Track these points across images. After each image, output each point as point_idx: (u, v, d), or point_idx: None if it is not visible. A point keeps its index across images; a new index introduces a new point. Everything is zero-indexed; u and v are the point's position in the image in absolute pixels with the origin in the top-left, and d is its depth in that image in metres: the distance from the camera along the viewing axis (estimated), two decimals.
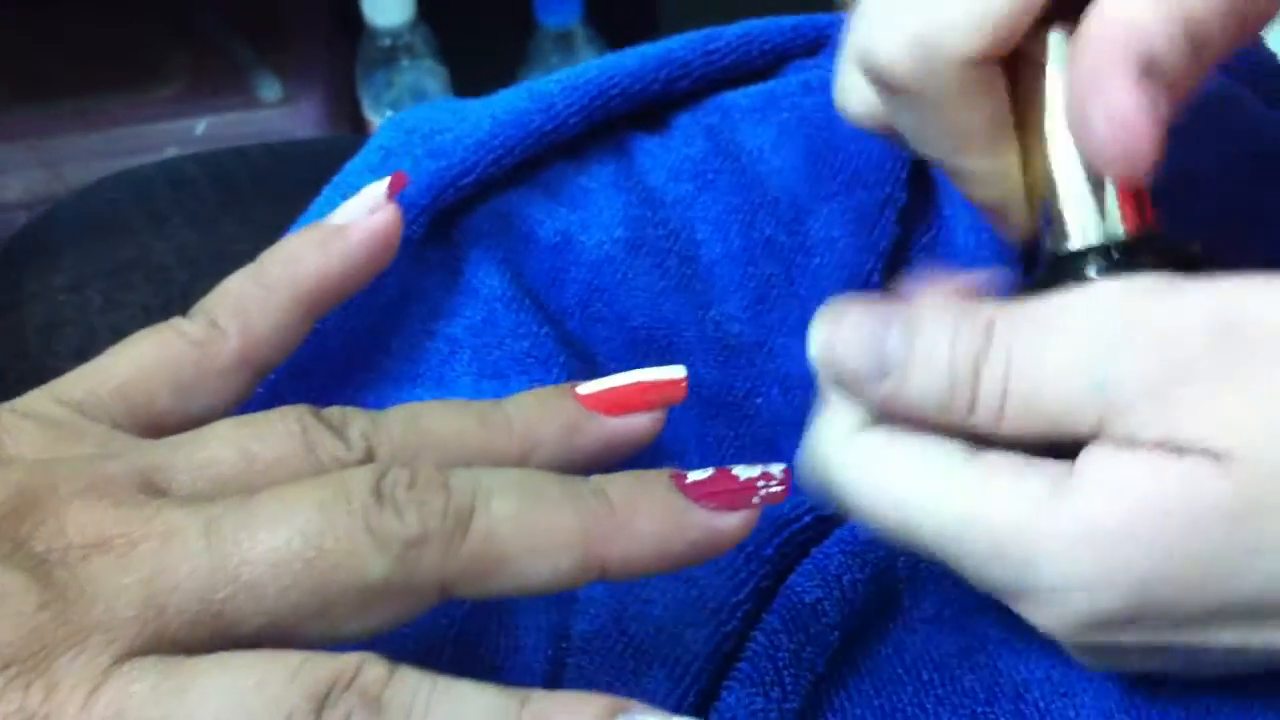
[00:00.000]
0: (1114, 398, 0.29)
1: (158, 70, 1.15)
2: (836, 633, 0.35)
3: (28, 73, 1.15)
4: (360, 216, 0.37)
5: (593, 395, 0.33)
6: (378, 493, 0.28)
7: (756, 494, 0.30)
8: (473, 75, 0.92)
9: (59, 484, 0.28)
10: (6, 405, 0.32)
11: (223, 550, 0.27)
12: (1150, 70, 0.29)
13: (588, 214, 0.44)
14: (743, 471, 0.30)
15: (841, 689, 0.36)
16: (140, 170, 0.50)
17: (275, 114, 1.13)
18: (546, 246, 0.43)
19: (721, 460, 0.41)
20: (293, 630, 0.27)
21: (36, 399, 0.32)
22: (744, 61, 0.47)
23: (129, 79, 1.14)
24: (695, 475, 0.30)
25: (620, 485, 0.30)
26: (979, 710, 0.35)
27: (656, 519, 0.29)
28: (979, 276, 0.32)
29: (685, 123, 0.46)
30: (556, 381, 0.40)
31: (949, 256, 0.42)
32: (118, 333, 0.45)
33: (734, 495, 0.30)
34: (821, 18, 0.48)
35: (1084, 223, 0.32)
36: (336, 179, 0.43)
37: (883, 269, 0.41)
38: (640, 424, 0.34)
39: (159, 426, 0.33)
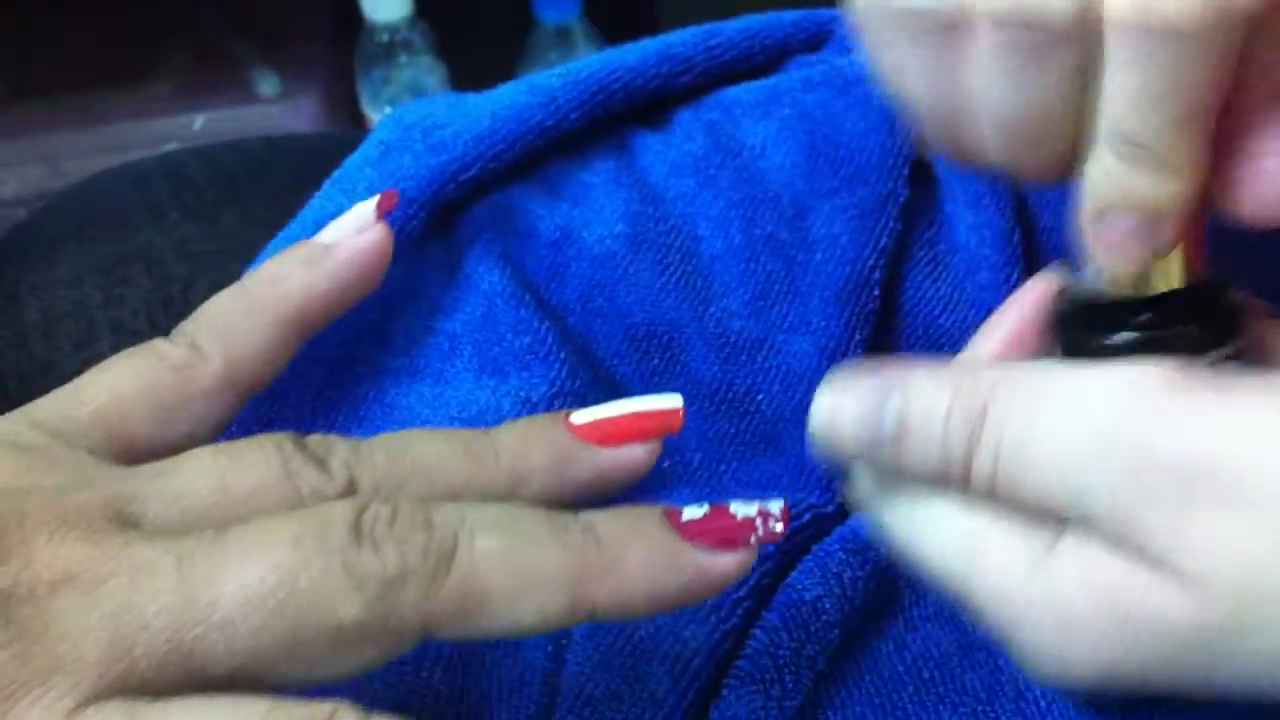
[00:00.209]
0: (1091, 508, 0.29)
1: (156, 66, 1.15)
2: (837, 630, 0.35)
3: (26, 69, 1.14)
4: (348, 235, 0.36)
5: (586, 425, 0.32)
6: (356, 529, 0.27)
7: (754, 533, 0.29)
8: (471, 71, 0.91)
9: (27, 515, 0.27)
10: None
11: (194, 587, 0.26)
12: None
13: (588, 209, 0.43)
14: (740, 509, 0.29)
15: (842, 687, 0.36)
16: (138, 164, 0.50)
17: (274, 110, 1.13)
18: (547, 242, 0.43)
19: (722, 457, 0.41)
20: (267, 672, 0.26)
21: (10, 423, 0.31)
22: (745, 57, 0.47)
23: (128, 75, 1.14)
24: (690, 512, 0.29)
25: (611, 522, 0.29)
26: (979, 709, 0.35)
27: (648, 558, 0.28)
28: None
29: (686, 118, 0.45)
30: (557, 377, 0.39)
31: (950, 254, 0.42)
32: (117, 327, 0.45)
33: (730, 534, 0.29)
34: (823, 13, 0.48)
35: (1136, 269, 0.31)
36: (337, 174, 0.43)
37: (884, 265, 0.41)
38: (635, 455, 0.32)
39: (137, 452, 0.32)
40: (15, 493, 0.28)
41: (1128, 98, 0.28)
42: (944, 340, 0.42)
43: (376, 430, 0.40)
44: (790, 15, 0.48)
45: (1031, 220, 0.42)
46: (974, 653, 0.36)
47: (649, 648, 0.35)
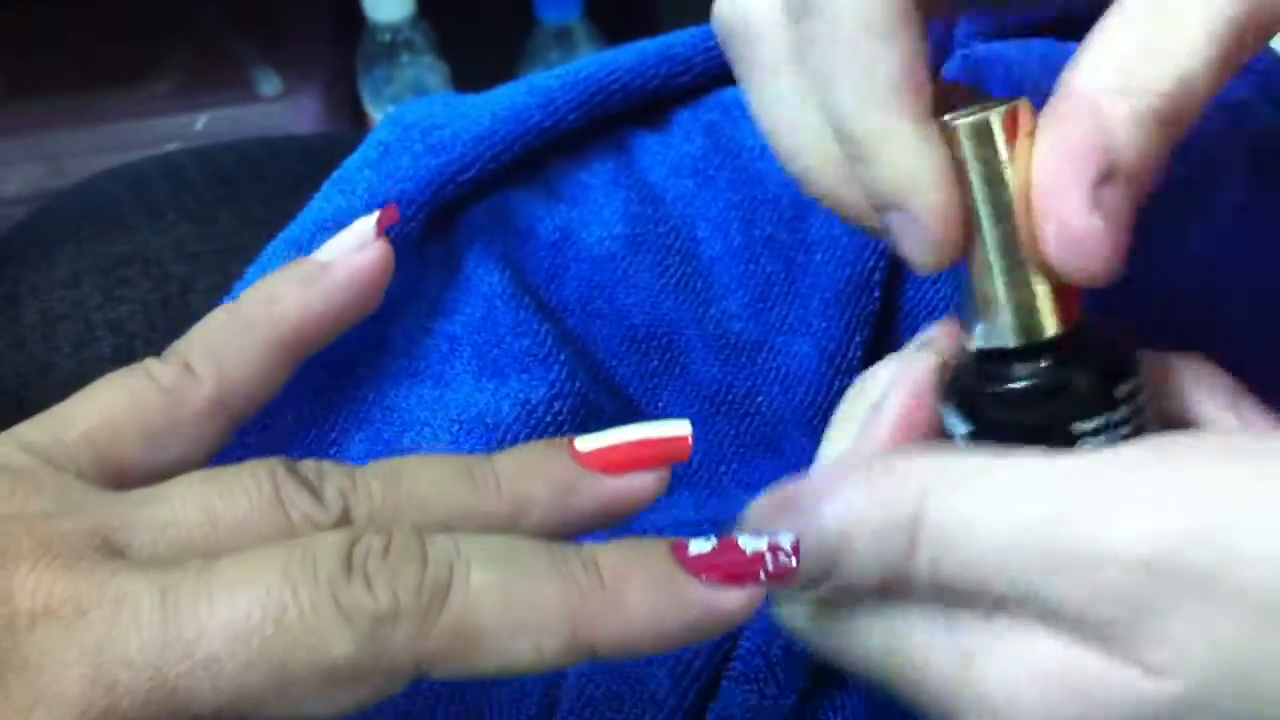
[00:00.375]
0: (1041, 612, 0.27)
1: (158, 65, 1.15)
2: None
3: (28, 68, 1.15)
4: (347, 253, 0.35)
5: (590, 453, 0.31)
6: (348, 562, 0.26)
7: (763, 569, 0.28)
8: (472, 71, 0.91)
9: (8, 543, 0.26)
10: None
11: (178, 621, 0.25)
12: (1113, 174, 0.27)
13: (588, 210, 0.43)
14: (749, 544, 0.28)
15: (838, 685, 0.36)
16: (136, 165, 0.49)
17: (275, 109, 1.13)
18: (546, 243, 0.43)
19: (721, 458, 0.41)
20: (254, 711, 0.25)
21: None
22: None
23: (129, 74, 1.14)
24: (697, 546, 0.28)
25: (613, 556, 0.27)
26: None
27: (651, 595, 0.27)
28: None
29: (685, 119, 0.45)
30: (556, 379, 0.39)
31: None
32: (115, 328, 0.45)
33: (738, 570, 0.28)
34: None
35: (1009, 313, 0.29)
36: (336, 175, 0.43)
37: (884, 267, 0.41)
38: (641, 484, 0.31)
39: (128, 476, 0.31)
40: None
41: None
42: None
43: (376, 432, 0.40)
44: None
45: None
46: None
47: None
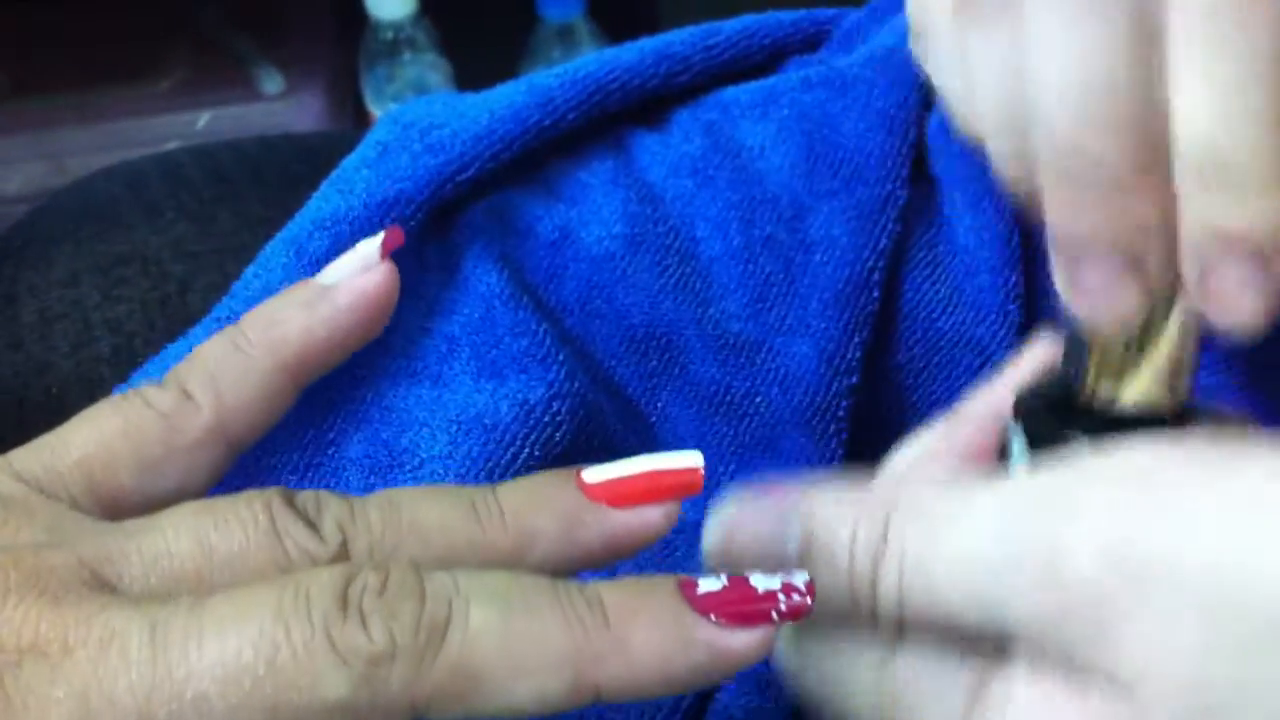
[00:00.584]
0: (1007, 627, 0.27)
1: (159, 63, 1.15)
2: None
3: (29, 66, 1.15)
4: (351, 275, 0.35)
5: (598, 484, 0.29)
6: (343, 600, 0.25)
7: (776, 608, 0.27)
8: (475, 69, 0.91)
9: None
10: None
11: (167, 660, 0.24)
12: None
13: (587, 210, 0.43)
14: (761, 582, 0.27)
15: None
16: (134, 163, 0.49)
17: (277, 107, 1.13)
18: (545, 243, 0.43)
19: (720, 459, 0.41)
20: None
21: None
22: (743, 57, 0.47)
23: (130, 72, 1.14)
24: (706, 584, 0.27)
25: (619, 594, 0.27)
26: None
27: (657, 636, 0.26)
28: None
29: (684, 119, 0.45)
30: (555, 379, 0.39)
31: (949, 256, 0.42)
32: (114, 327, 0.45)
33: (749, 608, 0.27)
34: (822, 13, 0.48)
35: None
36: (334, 174, 0.43)
37: (884, 267, 0.41)
38: (650, 518, 0.29)
39: (123, 505, 0.30)
40: None
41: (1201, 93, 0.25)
42: (943, 342, 0.42)
43: (375, 432, 0.40)
44: (789, 15, 0.47)
45: (1031, 222, 0.42)
46: None
47: None
